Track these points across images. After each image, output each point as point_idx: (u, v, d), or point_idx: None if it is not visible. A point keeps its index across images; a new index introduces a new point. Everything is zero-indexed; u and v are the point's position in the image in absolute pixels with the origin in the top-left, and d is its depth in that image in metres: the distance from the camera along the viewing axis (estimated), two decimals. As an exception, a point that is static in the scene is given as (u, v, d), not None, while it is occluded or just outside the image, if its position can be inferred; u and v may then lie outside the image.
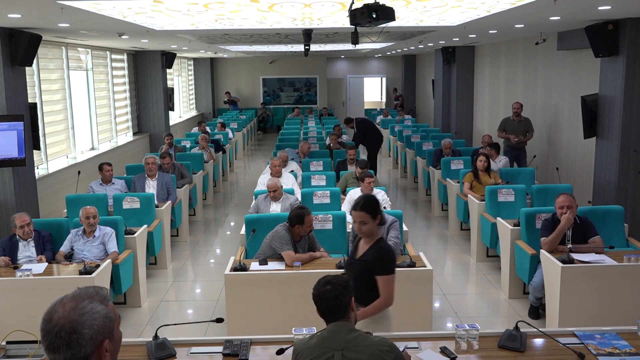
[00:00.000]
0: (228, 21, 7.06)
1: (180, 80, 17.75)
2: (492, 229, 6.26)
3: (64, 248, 5.27)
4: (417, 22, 7.52)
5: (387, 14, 4.24)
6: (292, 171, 8.02)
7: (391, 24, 4.52)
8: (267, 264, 4.73)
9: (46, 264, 4.98)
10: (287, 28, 7.93)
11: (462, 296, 5.98)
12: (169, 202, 7.13)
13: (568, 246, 4.84)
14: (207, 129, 12.62)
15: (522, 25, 7.94)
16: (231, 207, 10.23)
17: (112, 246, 5.29)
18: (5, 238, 5.24)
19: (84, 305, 1.56)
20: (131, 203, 6.64)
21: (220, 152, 11.23)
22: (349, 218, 5.68)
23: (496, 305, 5.73)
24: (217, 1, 5.37)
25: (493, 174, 7.34)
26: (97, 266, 4.81)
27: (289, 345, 3.01)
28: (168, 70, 13.74)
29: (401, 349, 2.85)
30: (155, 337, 3.20)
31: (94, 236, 5.27)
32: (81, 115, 10.35)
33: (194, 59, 19.95)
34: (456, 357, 3.08)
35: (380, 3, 4.23)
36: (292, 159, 8.86)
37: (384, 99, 23.69)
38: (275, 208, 6.18)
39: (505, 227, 5.72)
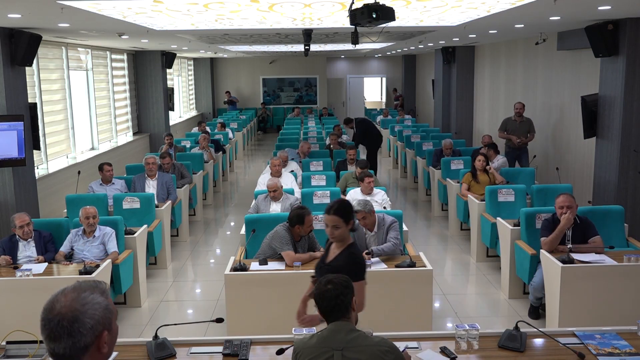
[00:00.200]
0: (228, 21, 7.06)
1: (180, 80, 17.75)
2: (492, 229, 6.27)
3: (64, 248, 5.27)
4: (417, 22, 7.52)
5: (387, 14, 4.24)
6: (292, 171, 8.03)
7: (391, 24, 4.52)
8: (267, 264, 4.74)
9: (46, 264, 4.98)
10: (287, 28, 7.93)
11: (462, 296, 5.98)
12: (169, 202, 7.14)
13: (568, 246, 4.84)
14: (207, 129, 12.62)
15: (522, 25, 7.94)
16: (231, 207, 10.23)
17: (112, 246, 5.30)
18: (5, 238, 5.24)
19: (86, 295, 1.59)
20: (131, 203, 6.64)
21: (220, 152, 11.23)
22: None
23: (496, 305, 5.73)
24: (217, 1, 5.37)
25: (492, 174, 7.33)
26: (97, 266, 4.81)
27: (289, 345, 3.01)
28: (168, 70, 13.74)
29: (401, 349, 2.85)
30: (155, 337, 3.20)
31: (94, 236, 5.27)
32: (81, 115, 10.35)
33: (194, 59, 19.95)
34: (456, 357, 3.08)
35: (380, 3, 4.23)
36: (292, 159, 8.87)
37: (384, 99, 23.70)
38: (275, 208, 6.18)
39: (505, 227, 5.72)
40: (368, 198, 6.22)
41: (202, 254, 7.50)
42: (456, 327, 3.24)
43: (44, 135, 8.47)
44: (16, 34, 6.75)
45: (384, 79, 23.05)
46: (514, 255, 5.60)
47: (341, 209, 3.27)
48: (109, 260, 5.02)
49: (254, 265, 4.73)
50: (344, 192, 6.88)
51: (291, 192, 6.70)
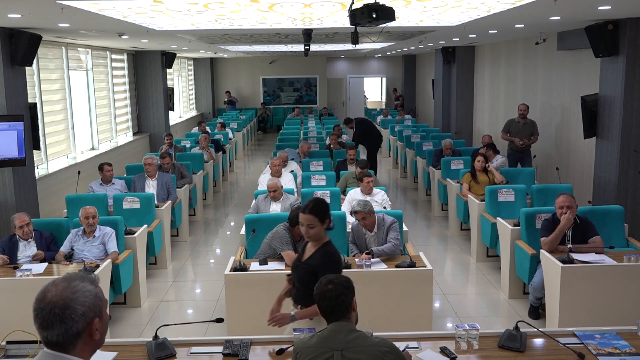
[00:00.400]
0: (228, 21, 7.06)
1: (180, 80, 17.75)
2: (492, 229, 6.26)
3: (64, 248, 5.27)
4: (417, 22, 7.52)
5: (387, 14, 4.24)
6: (292, 171, 8.03)
7: (391, 24, 4.52)
8: (267, 264, 4.74)
9: (46, 263, 4.99)
10: (287, 28, 7.93)
11: (462, 296, 5.98)
12: (169, 202, 7.13)
13: (568, 246, 4.84)
14: (207, 129, 12.62)
15: (522, 25, 7.94)
16: (231, 207, 10.23)
17: (112, 246, 5.29)
18: (5, 238, 5.24)
19: (76, 284, 1.64)
20: (131, 203, 6.64)
21: (220, 152, 11.23)
22: (349, 218, 5.69)
23: (496, 305, 5.73)
24: (217, 1, 5.37)
25: (492, 173, 7.33)
26: (97, 266, 4.81)
27: (289, 345, 3.01)
28: (168, 70, 13.74)
29: (402, 349, 2.85)
30: (155, 337, 3.20)
31: (94, 236, 5.27)
32: (81, 115, 10.35)
33: (194, 59, 19.95)
34: (456, 357, 3.08)
35: (380, 3, 4.23)
36: (292, 159, 8.87)
37: (384, 99, 23.70)
38: (275, 208, 6.18)
39: (505, 227, 5.72)
40: (368, 198, 6.22)
41: (202, 254, 7.50)
42: (456, 327, 3.24)
43: (44, 135, 8.47)
44: (16, 34, 6.75)
45: (384, 79, 23.05)
46: (514, 255, 5.60)
47: (316, 208, 3.28)
48: (109, 260, 5.02)
49: (254, 265, 4.73)
50: (344, 192, 6.88)
51: (291, 192, 6.70)
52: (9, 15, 5.73)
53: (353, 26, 4.67)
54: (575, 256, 4.66)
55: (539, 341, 3.26)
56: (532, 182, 7.53)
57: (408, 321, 4.50)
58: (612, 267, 4.57)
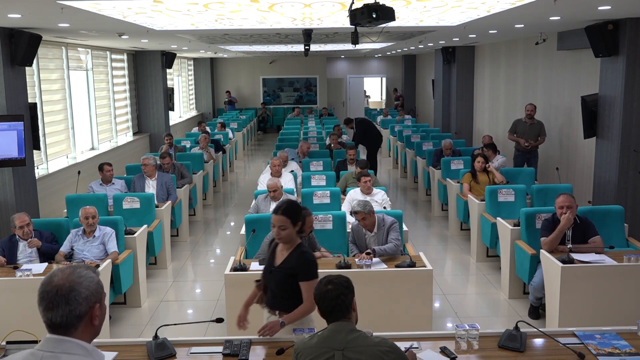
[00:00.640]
0: (228, 21, 7.06)
1: (180, 80, 17.75)
2: (492, 229, 6.26)
3: (63, 248, 5.27)
4: (417, 22, 7.52)
5: (387, 14, 4.24)
6: (292, 171, 8.03)
7: (391, 24, 4.52)
8: (267, 264, 4.73)
9: (46, 264, 4.99)
10: (287, 28, 7.93)
11: (462, 296, 5.98)
12: (169, 202, 7.13)
13: (568, 246, 4.84)
14: (207, 129, 12.62)
15: (522, 25, 7.94)
16: (231, 207, 10.23)
17: (112, 246, 5.29)
18: (5, 238, 5.24)
19: (80, 271, 1.78)
20: (131, 203, 6.64)
21: (220, 152, 11.24)
22: (349, 218, 5.69)
23: (496, 305, 5.73)
24: (217, 1, 5.37)
25: (492, 172, 7.32)
26: (97, 266, 4.80)
27: (289, 345, 3.01)
28: (168, 70, 13.74)
29: (406, 349, 2.85)
30: (155, 337, 3.20)
31: (94, 236, 5.27)
32: (81, 115, 10.35)
33: (194, 59, 19.95)
34: (456, 357, 3.08)
35: (380, 3, 4.23)
36: (292, 159, 8.87)
37: (384, 98, 23.71)
38: (275, 208, 6.17)
39: (505, 227, 5.72)
40: (368, 198, 6.23)
41: (202, 254, 7.50)
42: (456, 327, 3.24)
43: (44, 135, 8.47)
44: (16, 34, 6.75)
45: (384, 79, 23.05)
46: (514, 255, 5.60)
47: (289, 210, 3.24)
48: (109, 260, 5.01)
49: (254, 265, 4.73)
50: (344, 192, 6.88)
51: (291, 192, 6.70)
52: (9, 15, 5.73)
53: (353, 26, 4.67)
54: (575, 256, 4.66)
55: (539, 341, 3.26)
56: (532, 182, 7.53)
57: (408, 321, 4.50)
58: (612, 267, 4.57)
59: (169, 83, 14.48)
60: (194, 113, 19.71)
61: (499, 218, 5.98)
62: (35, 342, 3.13)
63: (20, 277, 4.55)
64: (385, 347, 2.46)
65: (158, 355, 3.11)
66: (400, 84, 21.77)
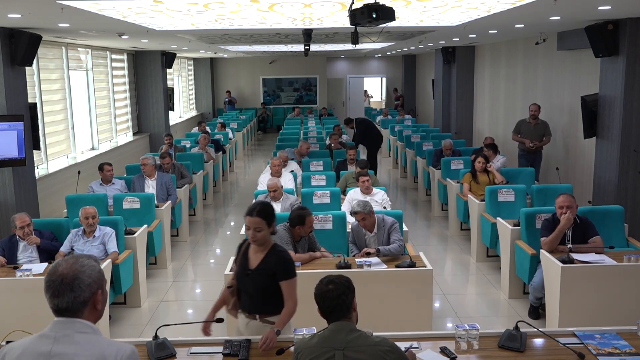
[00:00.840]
0: (228, 21, 7.06)
1: (180, 80, 17.75)
2: (492, 229, 6.26)
3: (63, 248, 5.27)
4: (417, 22, 7.52)
5: (387, 14, 4.24)
6: (292, 171, 8.03)
7: (391, 24, 4.52)
8: (267, 264, 4.73)
9: (46, 264, 4.99)
10: (287, 28, 7.93)
11: (462, 296, 5.98)
12: (169, 202, 7.13)
13: (568, 246, 4.84)
14: (207, 129, 12.62)
15: (522, 25, 7.94)
16: (231, 207, 10.23)
17: (112, 246, 5.29)
18: (5, 238, 5.24)
19: (83, 260, 1.94)
20: (131, 203, 6.64)
21: (220, 152, 11.23)
22: (349, 218, 5.69)
23: (496, 305, 5.73)
24: (217, 1, 5.37)
25: (492, 173, 7.32)
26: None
27: (289, 345, 3.01)
28: (168, 70, 13.74)
29: (406, 349, 2.85)
30: (155, 337, 3.20)
31: (94, 236, 5.27)
32: (81, 115, 10.35)
33: (194, 59, 19.95)
34: (456, 357, 3.08)
35: (380, 3, 4.23)
36: (292, 158, 8.87)
37: (384, 98, 23.71)
38: (275, 208, 6.17)
39: (505, 227, 5.72)
40: (368, 198, 6.23)
41: (202, 254, 7.50)
42: (456, 327, 3.24)
43: (44, 135, 8.47)
44: (16, 34, 6.75)
45: (384, 79, 23.06)
46: (514, 255, 5.60)
47: (263, 211, 3.21)
48: (109, 260, 5.01)
49: (254, 265, 4.72)
50: (344, 192, 6.88)
51: (291, 192, 6.70)
52: (9, 15, 5.73)
53: (353, 26, 4.66)
54: (575, 256, 4.65)
55: (539, 341, 3.26)
56: (532, 182, 7.53)
57: (408, 321, 4.50)
58: (612, 267, 4.57)
59: (169, 83, 14.48)
60: (194, 113, 19.71)
61: (499, 218, 5.98)
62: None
63: (20, 277, 4.55)
64: (385, 346, 2.46)
65: (158, 355, 3.11)
66: (400, 84, 21.77)
